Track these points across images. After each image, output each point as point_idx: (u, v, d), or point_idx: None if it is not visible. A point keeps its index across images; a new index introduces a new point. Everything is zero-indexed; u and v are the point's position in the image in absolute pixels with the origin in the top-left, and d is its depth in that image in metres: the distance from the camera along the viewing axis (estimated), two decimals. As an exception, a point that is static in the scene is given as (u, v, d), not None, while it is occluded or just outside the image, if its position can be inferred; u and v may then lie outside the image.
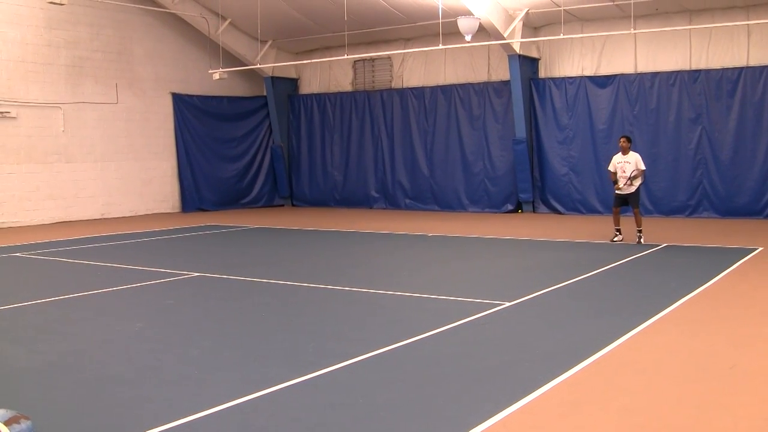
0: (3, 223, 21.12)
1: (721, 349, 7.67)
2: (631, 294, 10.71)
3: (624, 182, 15.42)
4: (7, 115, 21.14)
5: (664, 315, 9.01)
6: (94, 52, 23.38)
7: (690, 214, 20.89)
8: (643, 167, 15.48)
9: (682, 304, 9.66)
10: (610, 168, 15.87)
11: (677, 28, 20.18)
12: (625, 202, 15.68)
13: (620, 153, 15.64)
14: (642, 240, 15.53)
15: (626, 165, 15.44)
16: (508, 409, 5.80)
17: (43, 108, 22.07)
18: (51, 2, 19.20)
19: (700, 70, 20.69)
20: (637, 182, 15.48)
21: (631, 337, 7.99)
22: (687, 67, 20.94)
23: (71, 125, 22.78)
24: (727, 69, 20.35)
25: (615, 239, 15.90)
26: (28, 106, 21.66)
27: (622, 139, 15.74)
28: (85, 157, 23.20)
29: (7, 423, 3.83)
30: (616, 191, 15.69)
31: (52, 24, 22.15)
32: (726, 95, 20.39)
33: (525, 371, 6.88)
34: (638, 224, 15.59)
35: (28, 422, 3.99)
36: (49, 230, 20.25)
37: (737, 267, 12.56)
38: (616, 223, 15.95)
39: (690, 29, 20.39)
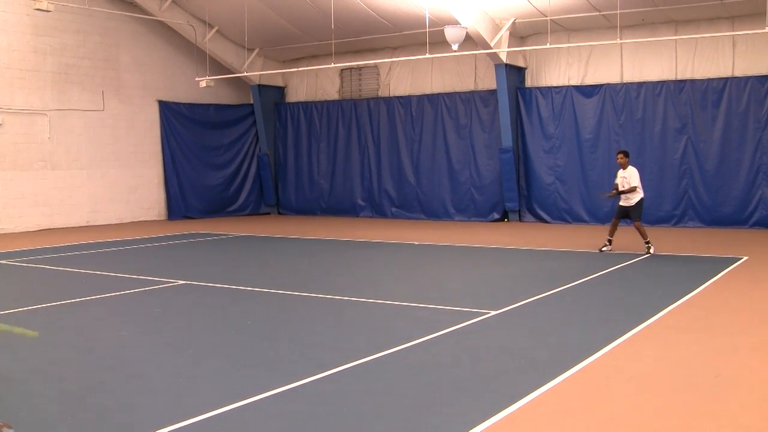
0: (-13, 230, 21.03)
1: (707, 357, 7.68)
2: (618, 303, 10.73)
3: (615, 193, 15.60)
4: (-7, 121, 21.08)
5: (650, 324, 9.03)
6: (81, 59, 23.32)
7: (675, 224, 20.96)
8: (634, 183, 15.39)
9: (667, 312, 9.69)
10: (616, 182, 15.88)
11: (663, 39, 20.29)
12: (627, 215, 15.69)
13: (621, 168, 15.69)
14: (652, 250, 15.43)
15: (624, 180, 15.53)
16: (494, 417, 5.79)
17: (29, 115, 21.99)
18: (38, 9, 19.18)
19: (685, 80, 20.80)
20: (635, 197, 15.45)
21: (617, 345, 8.00)
22: (673, 77, 21.05)
23: (57, 132, 22.70)
24: (713, 79, 20.47)
25: (603, 248, 15.91)
26: (13, 112, 21.57)
27: (618, 155, 15.83)
28: (71, 164, 23.12)
29: (-11, 431, 3.81)
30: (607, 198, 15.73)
31: (39, 31, 22.09)
32: (711, 105, 20.50)
33: (511, 380, 6.88)
34: (643, 236, 15.54)
35: (11, 431, 3.96)
36: (35, 237, 20.16)
37: (722, 276, 12.60)
38: (611, 233, 15.93)
39: (676, 39, 20.50)
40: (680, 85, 20.86)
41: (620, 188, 15.54)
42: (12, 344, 8.63)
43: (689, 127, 20.82)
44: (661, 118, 21.15)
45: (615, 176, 16.08)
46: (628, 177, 15.48)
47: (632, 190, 15.41)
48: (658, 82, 21.17)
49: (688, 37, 19.79)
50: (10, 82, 21.53)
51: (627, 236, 16.80)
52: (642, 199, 15.65)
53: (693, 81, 20.70)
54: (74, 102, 23.15)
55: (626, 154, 15.77)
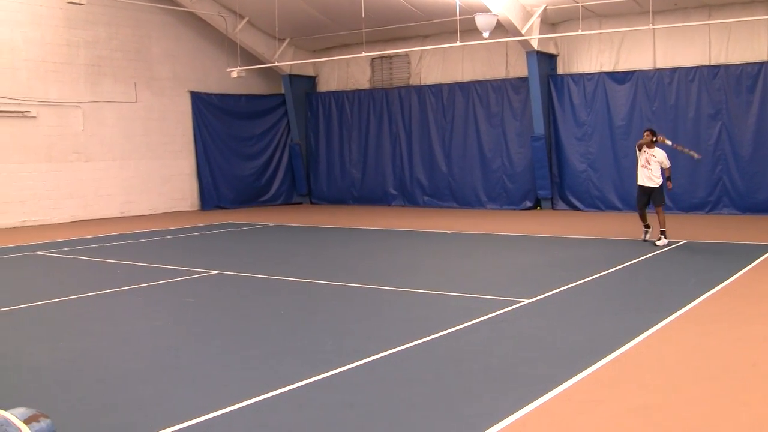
0: (24, 221, 21.25)
1: (742, 346, 7.61)
2: (651, 291, 10.65)
3: (647, 179, 14.89)
4: (28, 114, 21.27)
5: (684, 312, 8.96)
6: (113, 51, 23.48)
7: (710, 211, 20.77)
8: (668, 165, 14.95)
9: (702, 301, 9.60)
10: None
11: (696, 23, 20.06)
12: (649, 199, 15.05)
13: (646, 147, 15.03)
14: (664, 237, 14.79)
15: (653, 161, 14.90)
16: (527, 407, 5.78)
17: (63, 107, 22.18)
18: (70, 2, 19.31)
19: (719, 66, 20.55)
20: (660, 178, 14.89)
21: (650, 334, 7.95)
22: (706, 63, 20.80)
23: (90, 124, 22.89)
24: (747, 64, 20.20)
25: (647, 238, 15.26)
26: (48, 105, 21.77)
27: (645, 133, 15.10)
28: (104, 155, 23.31)
29: (26, 421, 3.84)
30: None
31: (72, 24, 22.26)
32: (746, 91, 20.23)
33: (544, 368, 6.86)
34: (661, 224, 14.87)
35: (48, 420, 3.99)
36: (69, 228, 20.36)
37: (757, 264, 12.46)
38: (644, 219, 15.32)
39: (709, 24, 20.25)
40: (714, 70, 20.62)
41: (642, 164, 14.89)
42: (49, 334, 8.74)
43: (723, 113, 20.58)
44: (694, 104, 20.92)
45: (637, 158, 15.40)
46: (660, 159, 14.89)
47: (666, 171, 14.96)
48: (692, 67, 20.93)
49: (722, 21, 19.55)
50: (44, 76, 21.73)
51: (653, 225, 16.62)
52: (663, 183, 15.10)
53: (727, 66, 20.44)
54: (107, 94, 23.32)
55: (654, 133, 15.04)
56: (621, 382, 6.47)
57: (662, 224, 14.90)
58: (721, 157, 20.62)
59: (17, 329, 9.08)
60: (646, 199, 15.06)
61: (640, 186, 15.17)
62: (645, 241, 15.22)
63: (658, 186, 14.94)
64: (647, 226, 15.33)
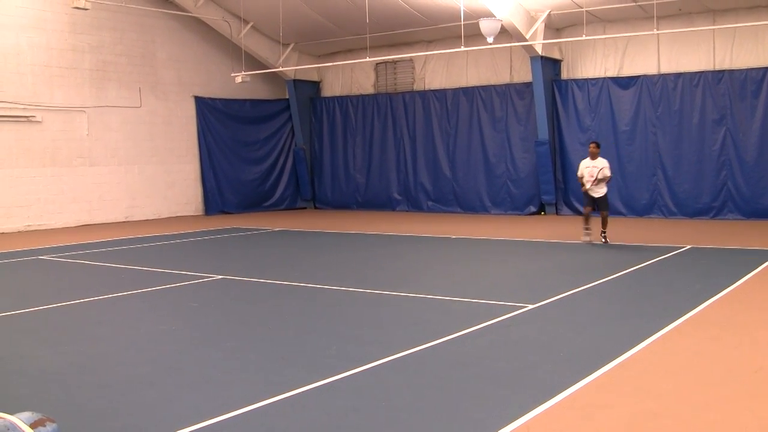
0: (28, 225, 21.30)
1: (747, 351, 7.61)
2: (656, 296, 10.63)
3: (591, 184, 15.96)
4: (33, 119, 21.33)
5: (689, 317, 8.95)
6: (118, 56, 23.54)
7: (714, 216, 20.74)
8: (609, 174, 16.04)
9: (706, 306, 9.59)
10: (578, 173, 16.47)
11: (701, 29, 20.06)
12: (595, 204, 16.19)
13: (589, 158, 16.23)
14: (607, 240, 15.99)
15: (594, 170, 15.98)
16: (532, 412, 5.78)
17: (68, 112, 22.24)
18: (75, 7, 19.40)
19: (723, 71, 20.55)
20: (604, 189, 16.06)
21: (655, 339, 7.95)
22: (711, 68, 20.80)
23: (95, 129, 22.95)
24: (752, 69, 20.19)
25: (585, 237, 16.32)
26: (52, 110, 21.83)
27: (591, 145, 16.34)
28: (108, 160, 23.36)
29: (33, 426, 3.85)
30: (584, 192, 16.25)
31: (77, 29, 22.32)
32: (750, 96, 20.22)
33: (549, 374, 6.85)
34: (604, 226, 16.15)
35: (54, 425, 4.00)
36: (74, 233, 20.39)
37: (762, 269, 12.43)
38: (586, 222, 16.37)
39: (714, 29, 20.25)
40: (718, 75, 20.61)
41: (587, 178, 16.01)
42: (54, 338, 8.75)
43: (728, 118, 20.56)
44: (699, 109, 20.91)
45: (577, 168, 16.66)
46: (601, 167, 15.97)
47: (609, 179, 16.10)
48: (696, 72, 20.93)
49: (727, 26, 19.54)
50: (49, 80, 21.78)
51: (657, 230, 16.67)
52: (607, 192, 16.32)
53: (731, 71, 20.44)
54: (112, 99, 23.37)
55: (598, 145, 16.33)
56: (626, 387, 6.46)
57: (603, 226, 16.22)
58: (726, 163, 20.59)
59: (22, 333, 9.10)
60: (593, 203, 16.26)
61: (588, 194, 16.27)
62: (583, 241, 16.37)
63: (602, 195, 16.15)
64: (587, 229, 16.39)
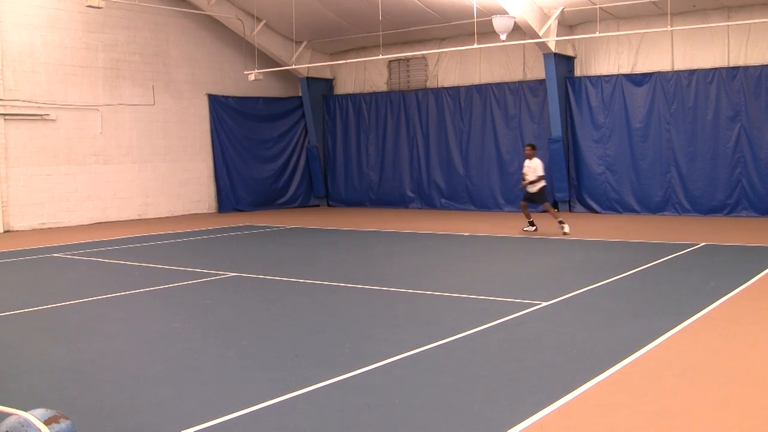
0: (43, 223, 21.39)
1: (762, 349, 7.57)
2: (670, 294, 10.60)
3: (525, 183, 17.49)
4: (47, 117, 21.42)
5: (703, 315, 8.91)
6: (132, 54, 23.61)
7: (728, 213, 20.65)
8: (540, 173, 17.38)
9: (721, 304, 9.56)
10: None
11: (715, 25, 19.96)
12: (533, 200, 17.66)
13: (527, 159, 17.72)
14: (566, 229, 17.06)
15: (528, 169, 17.53)
16: (545, 409, 5.77)
17: (82, 110, 22.33)
18: (89, 6, 19.46)
19: (738, 67, 20.44)
20: (539, 185, 17.40)
21: (669, 337, 7.92)
22: (725, 65, 20.70)
23: (109, 127, 23.03)
24: (767, 66, 20.08)
25: (525, 228, 17.84)
26: (66, 108, 21.92)
27: (526, 147, 17.97)
28: (122, 158, 23.43)
29: (47, 422, 3.87)
30: (521, 187, 17.89)
31: (91, 27, 22.40)
32: (765, 92, 20.10)
33: (562, 372, 6.84)
34: (554, 216, 17.75)
35: (68, 422, 4.02)
36: (88, 231, 20.47)
37: (777, 266, 12.39)
38: (527, 216, 17.90)
39: (728, 25, 20.15)
40: (733, 72, 20.51)
41: (527, 178, 17.43)
42: (68, 335, 8.78)
43: (742, 115, 20.47)
44: (713, 106, 20.82)
45: (522, 166, 18.15)
46: (534, 167, 17.40)
47: (539, 179, 17.32)
48: (710, 69, 20.83)
49: (742, 22, 19.45)
50: (63, 79, 21.87)
51: (671, 227, 16.61)
52: (545, 186, 17.63)
53: (746, 68, 20.33)
54: (125, 97, 23.45)
55: (533, 147, 17.86)
56: (640, 385, 6.44)
57: (555, 216, 17.76)
58: (740, 160, 20.50)
59: (37, 331, 9.13)
60: (530, 199, 17.71)
61: (524, 188, 17.78)
62: (523, 230, 17.90)
63: (536, 191, 17.49)
64: (530, 222, 17.89)
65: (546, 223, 18.24)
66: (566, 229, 17.02)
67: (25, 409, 3.91)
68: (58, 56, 21.75)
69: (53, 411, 4.03)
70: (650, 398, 6.08)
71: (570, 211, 23.06)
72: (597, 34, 20.00)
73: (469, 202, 25.08)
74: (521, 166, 18.66)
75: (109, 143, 23.08)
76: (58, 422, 3.95)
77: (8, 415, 3.94)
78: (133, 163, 23.75)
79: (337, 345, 8.02)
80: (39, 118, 21.26)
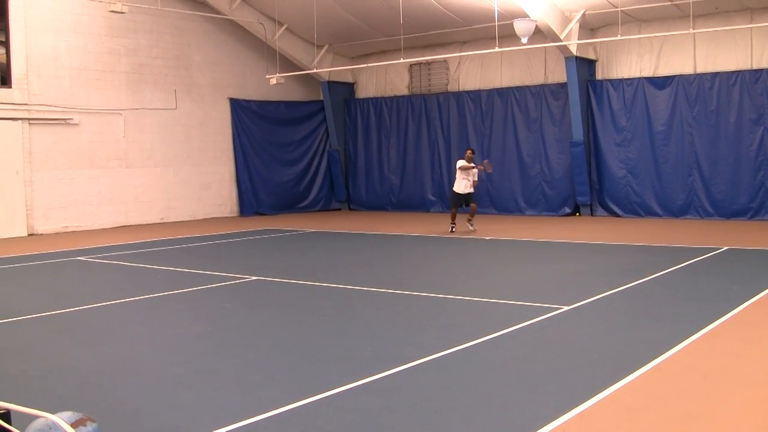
0: (66, 227, 21.54)
1: (786, 354, 7.53)
2: (692, 298, 10.55)
3: (471, 186, 19.21)
4: (70, 121, 21.58)
5: (727, 319, 8.86)
6: (154, 59, 23.75)
7: (752, 217, 20.51)
8: (476, 179, 19.40)
9: (744, 308, 9.49)
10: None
11: (738, 27, 19.83)
12: (464, 202, 19.36)
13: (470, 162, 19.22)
14: (473, 226, 19.35)
15: (471, 171, 19.20)
16: (567, 414, 5.75)
17: (105, 114, 22.47)
18: (112, 11, 19.57)
19: (761, 70, 20.30)
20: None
21: (692, 341, 7.88)
22: (748, 67, 20.58)
23: (131, 131, 23.16)
24: (790, 68, 19.97)
25: (454, 230, 19.28)
26: (89, 112, 22.07)
27: (468, 151, 19.75)
28: (144, 162, 23.56)
29: (74, 425, 3.89)
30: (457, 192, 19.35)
31: (113, 32, 22.54)
32: (789, 95, 20.01)
33: (584, 376, 6.82)
34: (471, 214, 19.56)
35: (94, 424, 4.05)
36: (110, 234, 20.59)
37: (802, 270, 12.30)
38: (453, 218, 19.46)
39: (751, 28, 20.01)
40: (756, 74, 20.38)
41: (475, 180, 19.37)
42: (92, 339, 8.84)
43: (765, 117, 20.31)
44: (736, 108, 20.69)
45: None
46: (476, 170, 19.25)
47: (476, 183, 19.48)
48: (733, 72, 20.71)
49: (765, 24, 19.29)
50: (86, 83, 22.03)
51: (693, 231, 16.49)
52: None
53: (770, 70, 20.23)
54: (148, 101, 23.58)
55: (473, 152, 19.80)
56: (662, 389, 6.42)
57: (472, 214, 19.68)
58: (764, 163, 20.36)
59: (61, 333, 9.21)
60: (462, 202, 19.34)
61: (458, 193, 19.30)
62: (453, 231, 19.24)
63: (472, 192, 19.43)
64: (454, 224, 19.44)
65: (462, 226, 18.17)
66: (473, 227, 19.32)
67: (51, 412, 3.94)
68: (81, 61, 21.91)
69: (80, 413, 4.06)
70: (673, 402, 6.06)
71: (592, 215, 22.99)
72: (618, 37, 19.93)
73: (491, 206, 25.00)
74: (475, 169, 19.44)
75: (132, 147, 23.21)
76: (85, 425, 3.98)
77: (35, 417, 3.97)
78: (155, 166, 23.87)
79: (359, 348, 8.03)
80: (63, 122, 21.42)
